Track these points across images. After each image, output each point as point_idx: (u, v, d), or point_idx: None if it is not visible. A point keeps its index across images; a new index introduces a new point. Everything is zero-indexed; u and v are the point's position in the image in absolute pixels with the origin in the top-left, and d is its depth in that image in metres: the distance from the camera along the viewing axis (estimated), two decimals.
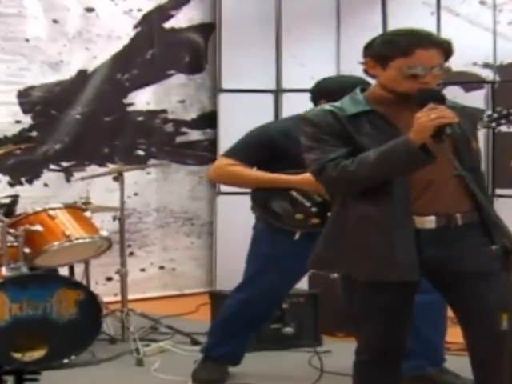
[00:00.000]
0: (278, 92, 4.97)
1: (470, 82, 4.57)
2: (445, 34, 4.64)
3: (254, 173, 3.06)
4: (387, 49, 2.07)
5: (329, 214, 2.83)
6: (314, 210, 2.99)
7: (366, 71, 2.15)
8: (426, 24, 4.65)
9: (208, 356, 3.24)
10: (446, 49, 2.08)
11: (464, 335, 2.18)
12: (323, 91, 3.02)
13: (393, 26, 4.76)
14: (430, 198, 2.08)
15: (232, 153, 3.10)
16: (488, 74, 4.60)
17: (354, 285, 2.14)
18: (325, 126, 2.09)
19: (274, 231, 3.04)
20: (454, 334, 2.25)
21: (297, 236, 2.99)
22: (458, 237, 2.09)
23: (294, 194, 3.01)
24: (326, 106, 2.15)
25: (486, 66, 4.60)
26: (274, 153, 3.00)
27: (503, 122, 2.75)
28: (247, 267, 3.21)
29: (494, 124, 2.77)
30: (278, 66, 5.01)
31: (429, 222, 2.07)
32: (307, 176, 2.78)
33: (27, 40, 4.72)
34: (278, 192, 3.02)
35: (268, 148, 3.02)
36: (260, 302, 3.12)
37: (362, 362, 2.22)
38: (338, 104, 2.15)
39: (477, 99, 4.56)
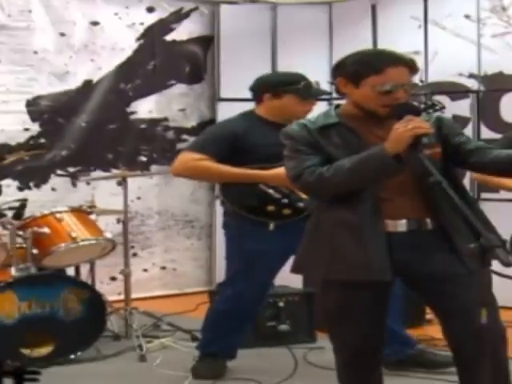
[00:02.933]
0: None
1: (455, 91, 4.59)
2: (432, 46, 4.70)
3: (223, 167, 2.99)
4: (360, 68, 2.11)
5: (298, 204, 2.95)
6: (284, 201, 3.02)
7: (337, 90, 2.19)
8: (414, 36, 4.70)
9: (204, 352, 3.22)
10: (411, 66, 2.14)
11: (444, 334, 2.18)
12: (266, 85, 3.06)
13: (382, 38, 4.80)
14: (402, 202, 2.11)
15: (198, 147, 3.05)
16: (473, 84, 4.61)
17: (331, 287, 2.17)
18: (299, 138, 2.16)
19: (248, 226, 3.03)
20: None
21: (271, 227, 3.01)
22: (428, 240, 2.11)
23: (263, 187, 3.02)
24: (301, 121, 2.24)
25: (471, 76, 4.61)
26: (237, 147, 3.00)
27: (430, 111, 2.81)
28: (228, 264, 3.19)
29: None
30: None
31: (400, 225, 2.10)
32: (277, 171, 2.88)
33: (35, 52, 4.72)
34: (248, 186, 3.01)
35: (232, 142, 3.00)
36: (246, 296, 3.10)
37: (340, 363, 2.24)
38: (312, 118, 2.23)
39: (462, 108, 4.58)
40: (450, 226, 2.09)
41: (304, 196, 2.89)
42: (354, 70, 2.12)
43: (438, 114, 2.29)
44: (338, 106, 2.22)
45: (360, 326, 2.15)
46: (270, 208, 3.01)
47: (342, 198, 2.11)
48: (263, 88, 3.08)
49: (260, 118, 3.08)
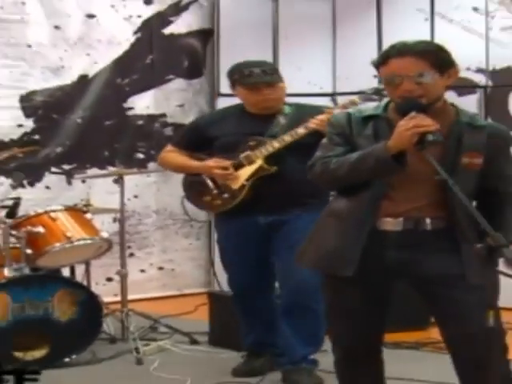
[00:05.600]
0: None
1: (463, 86, 4.59)
2: (438, 40, 4.66)
3: (179, 159, 3.26)
4: (376, 59, 2.13)
5: (224, 195, 3.12)
6: (215, 191, 3.16)
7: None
8: (420, 30, 4.70)
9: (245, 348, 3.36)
10: (426, 57, 2.03)
11: (443, 338, 2.19)
12: (235, 73, 3.16)
13: (387, 31, 4.80)
14: (404, 200, 2.10)
15: (173, 140, 3.47)
16: (481, 79, 4.62)
17: (326, 283, 2.20)
18: (336, 126, 2.18)
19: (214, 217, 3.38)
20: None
21: (212, 218, 3.25)
22: (425, 241, 2.10)
23: (205, 177, 3.20)
24: (350, 110, 2.28)
25: (479, 71, 4.62)
26: (203, 138, 3.20)
27: (375, 97, 2.84)
28: None
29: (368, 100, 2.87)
30: None
31: (396, 224, 2.10)
32: (204, 162, 3.14)
33: (29, 46, 4.73)
34: (196, 176, 3.23)
35: (196, 134, 3.24)
36: (232, 285, 3.28)
37: (336, 361, 2.26)
38: (363, 107, 2.25)
39: (470, 103, 4.58)
40: (458, 226, 2.08)
41: (233, 187, 3.09)
42: (374, 62, 2.14)
43: (494, 128, 2.15)
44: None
45: (350, 325, 2.17)
46: (206, 198, 3.19)
47: (346, 189, 2.14)
48: (233, 77, 3.20)
49: (243, 107, 3.20)
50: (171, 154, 3.31)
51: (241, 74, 3.09)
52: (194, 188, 3.24)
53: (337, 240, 2.11)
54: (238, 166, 3.10)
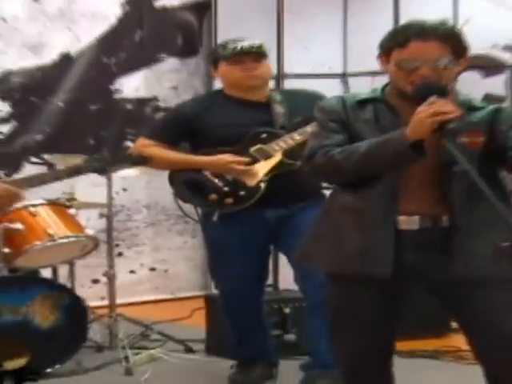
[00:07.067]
0: (279, 77, 5.01)
1: (489, 66, 4.60)
2: (462, 13, 4.70)
3: (168, 153, 3.23)
4: (388, 41, 2.15)
5: (240, 192, 3.12)
6: (226, 189, 3.15)
7: (382, 68, 2.21)
8: (442, 4, 4.70)
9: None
10: (449, 42, 2.09)
11: (470, 346, 2.21)
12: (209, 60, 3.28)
13: (405, 7, 4.80)
14: (420, 195, 2.13)
15: (149, 133, 3.36)
16: (509, 58, 4.63)
17: (332, 283, 2.23)
18: (330, 111, 2.20)
19: (203, 216, 3.31)
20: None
21: (215, 217, 3.18)
22: (444, 240, 2.12)
23: (207, 173, 3.18)
24: (343, 94, 2.30)
25: (507, 48, 4.63)
26: (191, 130, 3.21)
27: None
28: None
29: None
30: (280, 49, 5.04)
31: (412, 222, 2.12)
32: (214, 158, 3.12)
33: (4, 20, 4.76)
34: (192, 173, 3.19)
35: (182, 126, 3.23)
36: (225, 289, 3.33)
37: (341, 370, 2.30)
38: (357, 92, 2.26)
39: (497, 85, 4.60)
40: (469, 224, 2.11)
41: (249, 183, 3.11)
42: (384, 43, 2.17)
43: (497, 105, 2.22)
44: (388, 83, 2.23)
45: (362, 331, 2.19)
46: (212, 197, 3.17)
47: (355, 184, 2.15)
48: (209, 63, 3.32)
49: (225, 95, 3.27)
50: (153, 148, 3.24)
51: (224, 48, 3.21)
52: (194, 186, 3.22)
53: (362, 238, 2.12)
54: (253, 161, 3.16)
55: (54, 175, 2.76)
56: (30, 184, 2.53)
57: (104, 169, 3.20)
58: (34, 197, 4.16)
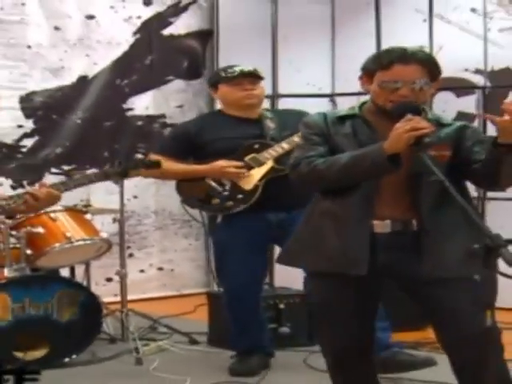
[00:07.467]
0: (274, 97, 5.00)
1: (461, 87, 4.60)
2: (437, 41, 4.71)
3: (174, 165, 3.28)
4: (372, 63, 2.16)
5: (238, 196, 3.17)
6: (225, 193, 3.21)
7: (363, 88, 2.21)
8: (419, 31, 4.71)
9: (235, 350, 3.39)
10: (427, 66, 2.11)
11: (437, 340, 2.19)
12: (208, 82, 3.45)
13: (386, 32, 4.81)
14: (391, 201, 2.12)
15: (157, 149, 3.44)
16: (479, 80, 4.63)
17: (313, 282, 2.22)
18: (313, 126, 2.21)
19: (209, 220, 3.37)
20: None
21: (219, 219, 3.24)
22: (413, 242, 2.11)
23: (209, 181, 3.24)
24: (326, 111, 2.29)
25: (477, 71, 4.63)
26: (194, 145, 3.27)
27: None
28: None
29: None
30: (275, 72, 5.05)
31: (385, 226, 2.12)
32: (212, 164, 3.18)
33: (29, 46, 4.74)
34: (196, 181, 3.26)
35: (186, 141, 3.29)
36: (228, 288, 3.31)
37: (328, 362, 2.27)
38: (338, 110, 2.31)
39: (468, 104, 4.60)
40: (436, 228, 2.09)
41: (246, 188, 3.16)
42: (368, 65, 2.17)
43: (464, 122, 2.24)
44: (365, 102, 2.24)
45: (343, 325, 2.18)
46: (215, 201, 3.22)
47: (333, 191, 2.15)
48: (209, 86, 3.42)
49: (223, 114, 3.34)
50: (162, 162, 3.27)
51: (224, 71, 3.31)
52: (197, 193, 3.27)
53: (340, 240, 2.12)
54: (247, 168, 3.22)
55: (86, 179, 2.76)
56: (66, 187, 2.55)
57: (126, 173, 3.20)
58: None
